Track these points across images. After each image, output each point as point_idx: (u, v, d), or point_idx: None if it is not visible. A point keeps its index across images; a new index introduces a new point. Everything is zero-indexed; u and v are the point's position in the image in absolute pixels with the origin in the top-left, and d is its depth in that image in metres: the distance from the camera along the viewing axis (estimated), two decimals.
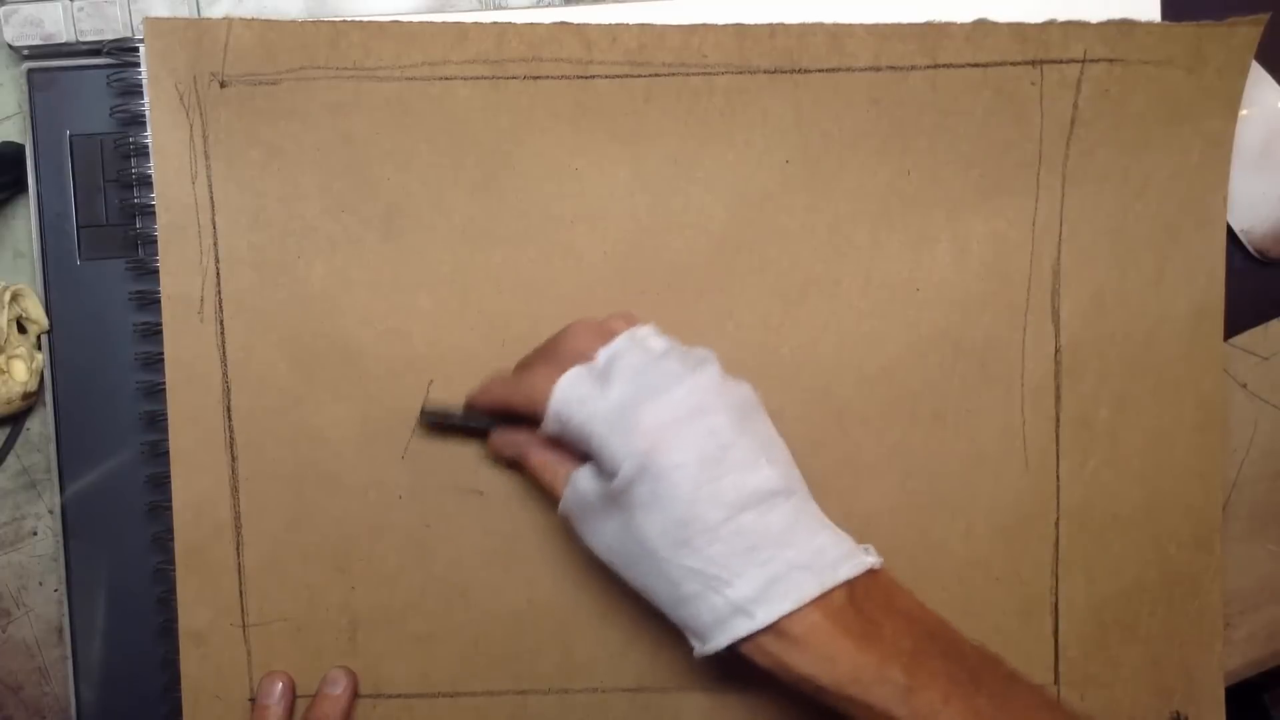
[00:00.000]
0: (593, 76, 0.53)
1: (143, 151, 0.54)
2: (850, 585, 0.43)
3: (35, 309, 0.56)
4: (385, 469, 0.55)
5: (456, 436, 0.54)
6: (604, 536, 0.48)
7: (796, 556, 0.43)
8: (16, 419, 0.58)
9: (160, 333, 0.54)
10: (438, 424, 0.54)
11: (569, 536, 0.53)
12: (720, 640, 0.44)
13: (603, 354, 0.47)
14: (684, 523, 0.43)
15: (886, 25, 0.53)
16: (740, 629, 0.43)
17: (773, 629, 0.43)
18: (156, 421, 0.55)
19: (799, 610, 0.42)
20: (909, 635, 0.43)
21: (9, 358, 0.55)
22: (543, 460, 0.50)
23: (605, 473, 0.45)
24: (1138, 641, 0.56)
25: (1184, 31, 0.53)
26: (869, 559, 0.44)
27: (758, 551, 0.43)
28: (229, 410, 0.54)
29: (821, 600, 0.43)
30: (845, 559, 0.44)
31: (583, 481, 0.47)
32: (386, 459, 0.55)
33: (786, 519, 0.44)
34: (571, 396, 0.46)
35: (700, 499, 0.43)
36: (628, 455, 0.44)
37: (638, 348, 0.46)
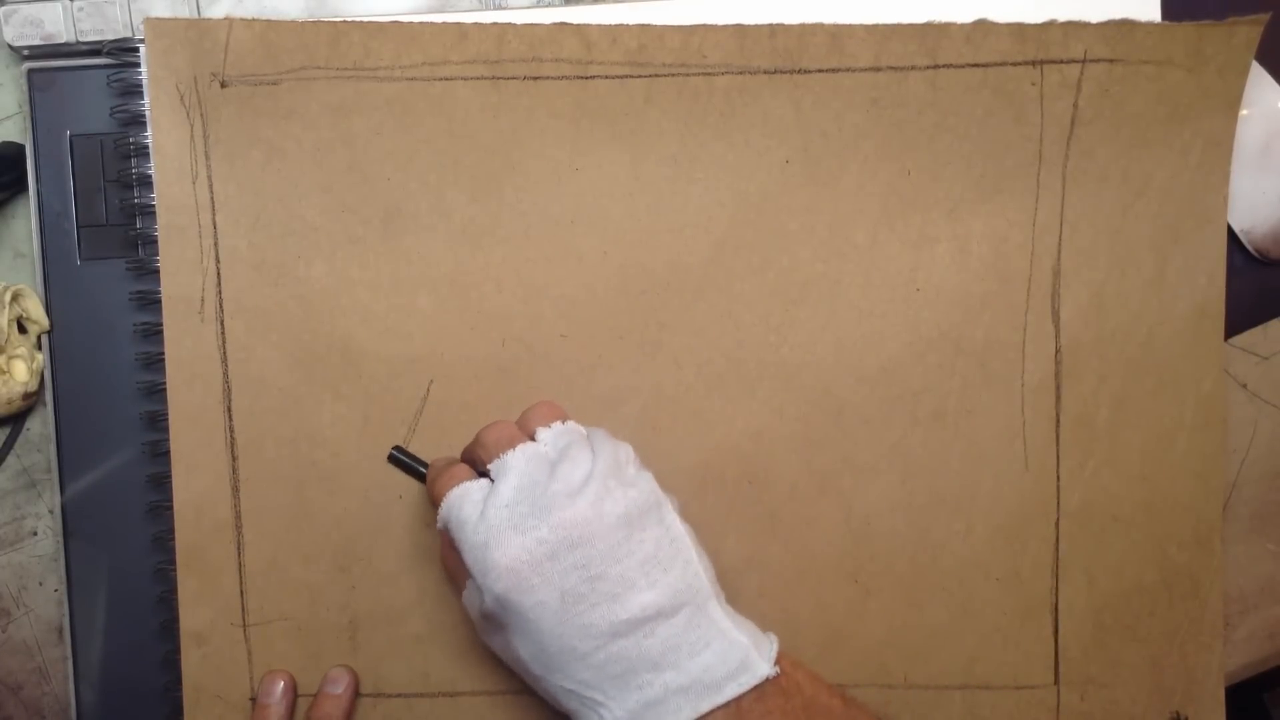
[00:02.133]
0: (593, 77, 0.53)
1: (143, 151, 0.54)
2: (737, 702, 0.43)
3: (35, 309, 0.56)
4: (385, 469, 0.55)
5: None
6: (493, 644, 0.49)
7: (675, 679, 0.43)
8: (16, 419, 0.58)
9: (160, 333, 0.54)
10: (400, 465, 0.53)
11: None
12: None
13: (494, 467, 0.47)
14: (552, 653, 0.44)
15: (886, 25, 0.53)
16: None
17: None
18: (157, 421, 0.55)
19: None
20: None
21: (9, 358, 0.55)
22: (445, 556, 0.50)
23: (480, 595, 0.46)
24: (1138, 642, 0.56)
25: (1184, 31, 0.53)
26: (760, 670, 0.43)
27: (633, 676, 0.43)
28: (229, 410, 0.54)
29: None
30: (731, 677, 0.43)
31: (472, 593, 0.48)
32: (386, 458, 0.55)
33: (667, 641, 0.43)
34: (452, 516, 0.47)
35: (566, 633, 0.43)
36: (488, 590, 0.45)
37: (527, 462, 0.46)
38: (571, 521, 0.44)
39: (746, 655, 0.44)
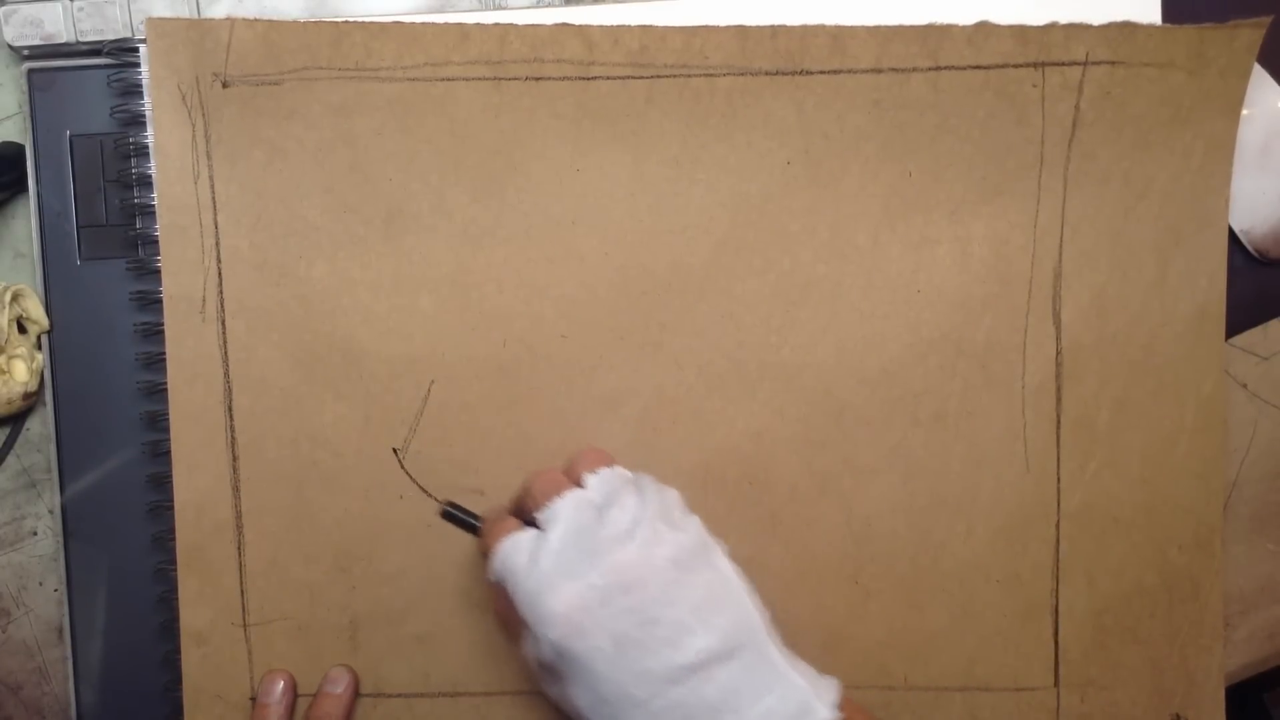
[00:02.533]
0: (594, 78, 0.53)
1: (143, 151, 0.54)
2: None
3: (35, 309, 0.56)
4: (385, 469, 0.55)
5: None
6: (551, 693, 0.48)
7: None
8: (16, 419, 0.58)
9: (161, 333, 0.54)
10: (453, 520, 0.53)
11: None
12: None
13: (542, 516, 0.47)
14: (610, 701, 0.43)
15: (888, 27, 0.53)
16: None
17: None
18: (157, 421, 0.55)
19: None
20: None
21: (9, 358, 0.55)
22: (501, 609, 0.49)
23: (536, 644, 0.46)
24: (1138, 643, 0.56)
25: (1186, 34, 0.53)
26: (821, 715, 0.43)
27: None
28: (230, 410, 0.54)
29: None
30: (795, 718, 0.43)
31: (528, 643, 0.47)
32: (387, 459, 0.55)
33: (726, 686, 0.43)
34: (504, 566, 0.46)
35: (624, 680, 0.43)
36: (544, 639, 0.44)
37: (575, 509, 0.46)
38: (622, 566, 0.44)
39: (806, 699, 0.43)
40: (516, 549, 0.46)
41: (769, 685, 0.43)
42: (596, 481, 0.48)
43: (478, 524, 0.51)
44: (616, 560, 0.44)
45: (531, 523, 0.48)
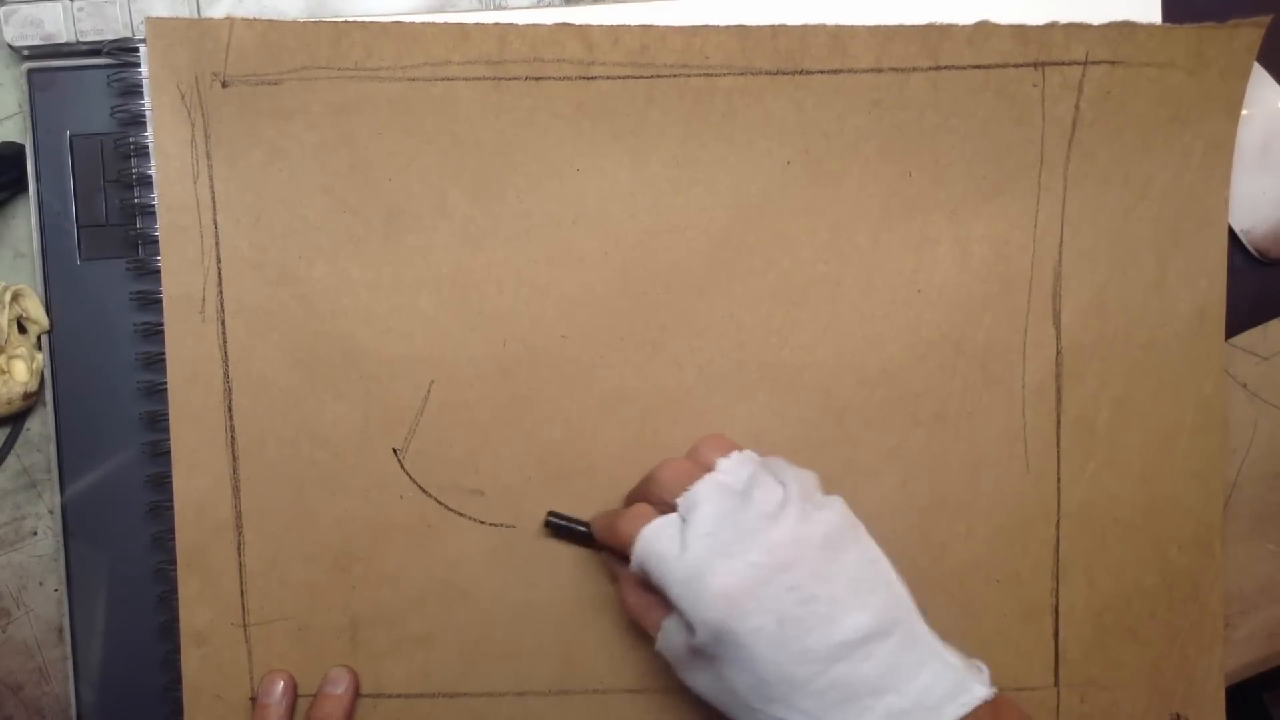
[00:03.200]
0: (594, 77, 0.53)
1: (143, 151, 0.54)
2: None
3: (35, 309, 0.56)
4: (385, 469, 0.55)
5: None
6: (698, 682, 0.47)
7: (896, 702, 0.42)
8: (16, 419, 0.58)
9: (161, 333, 0.54)
10: (560, 530, 0.53)
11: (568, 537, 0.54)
12: None
13: (682, 502, 0.46)
14: (771, 682, 0.43)
15: (888, 27, 0.53)
16: None
17: None
18: (157, 421, 0.55)
19: None
20: None
21: (9, 358, 0.55)
22: (636, 601, 0.50)
23: (689, 629, 0.45)
24: (1138, 643, 0.56)
25: (1185, 34, 0.53)
26: (980, 691, 0.42)
27: (854, 702, 0.42)
28: (230, 410, 0.54)
29: None
30: (951, 697, 0.42)
31: (672, 633, 0.47)
32: (387, 459, 0.55)
33: (885, 663, 0.42)
34: (651, 552, 0.46)
35: (785, 659, 0.42)
36: (702, 622, 0.44)
37: (717, 493, 0.46)
38: (779, 544, 0.44)
39: (962, 676, 0.43)
40: (663, 534, 0.46)
41: (924, 662, 0.43)
42: (730, 465, 0.47)
43: (584, 529, 0.51)
44: (771, 539, 0.44)
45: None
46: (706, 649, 0.45)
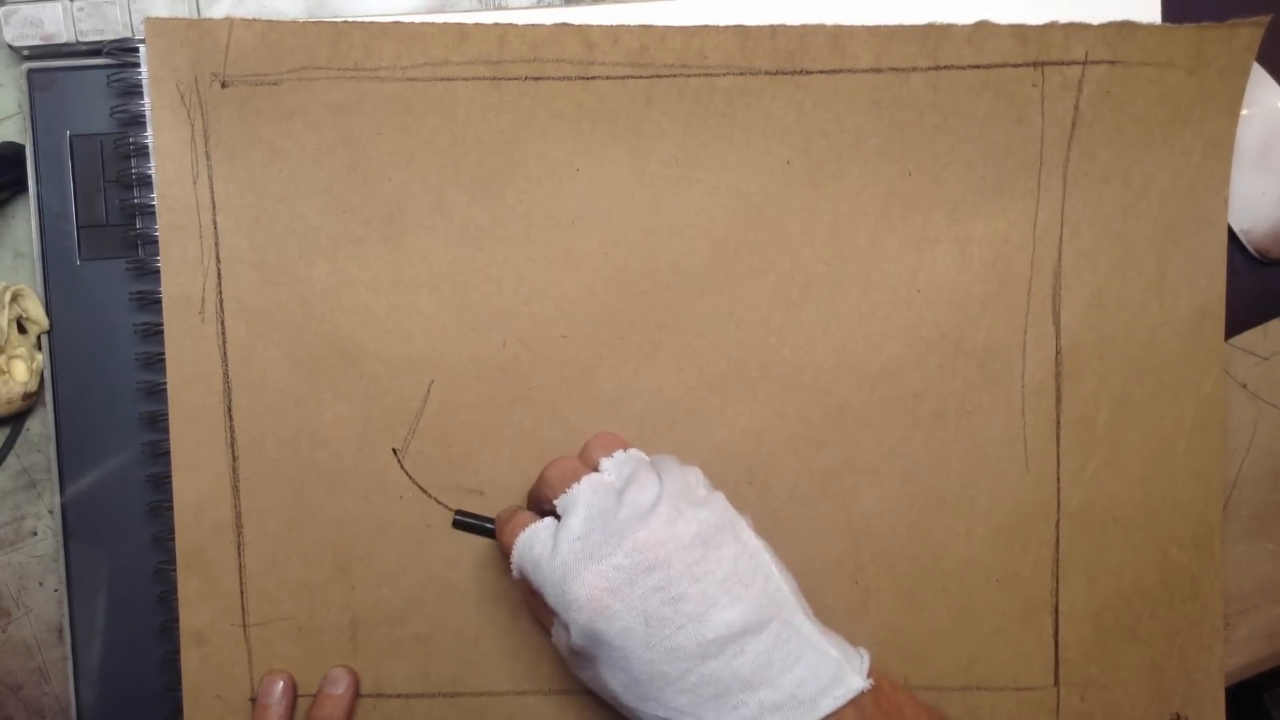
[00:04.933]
0: (594, 77, 0.53)
1: (143, 152, 0.54)
2: (838, 716, 0.42)
3: (35, 309, 0.56)
4: (385, 469, 0.55)
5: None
6: (585, 677, 0.48)
7: (770, 696, 0.42)
8: (16, 419, 0.58)
9: (160, 333, 0.54)
10: (465, 526, 0.53)
11: None
12: None
13: (560, 503, 0.47)
14: (644, 681, 0.43)
15: (888, 27, 0.53)
16: None
17: None
18: (157, 421, 0.55)
19: None
20: None
21: (9, 358, 0.55)
22: (530, 603, 0.50)
23: (566, 631, 0.46)
24: (1138, 643, 0.56)
25: (1185, 33, 0.53)
26: (855, 683, 0.43)
27: (728, 696, 0.42)
28: (230, 410, 0.54)
29: None
30: (826, 691, 0.42)
31: (559, 631, 0.47)
32: (386, 459, 0.55)
33: (758, 657, 0.43)
34: (526, 559, 0.47)
35: (655, 658, 0.43)
36: (572, 624, 0.44)
37: (594, 493, 0.46)
38: (645, 544, 0.44)
39: (839, 669, 0.43)
40: (535, 539, 0.46)
41: (799, 655, 0.43)
42: (612, 464, 0.48)
43: (491, 526, 0.51)
44: (639, 539, 0.44)
45: (550, 513, 0.48)
46: (584, 650, 0.45)
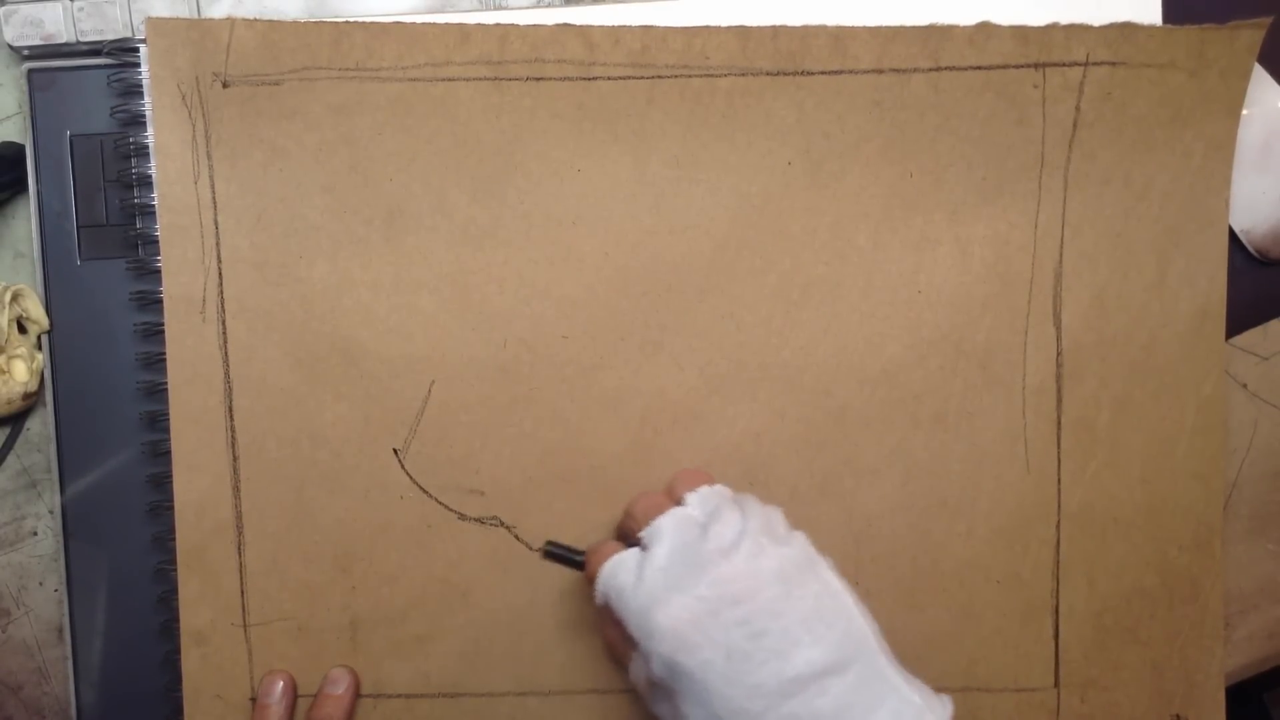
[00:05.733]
0: (595, 78, 0.53)
1: (143, 151, 0.54)
2: None
3: (35, 309, 0.55)
4: (386, 469, 0.55)
5: None
6: (663, 712, 0.48)
7: None
8: (16, 419, 0.58)
9: (161, 333, 0.54)
10: (555, 558, 0.53)
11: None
12: None
13: (645, 534, 0.47)
14: (724, 716, 0.43)
15: (889, 27, 0.53)
16: None
17: None
18: (157, 421, 0.55)
19: None
20: None
21: (9, 358, 0.55)
22: (609, 635, 0.50)
23: (647, 661, 0.46)
24: (1138, 644, 0.56)
25: (1186, 35, 0.53)
26: None
27: None
28: (230, 410, 0.54)
29: None
30: None
31: (638, 664, 0.48)
32: (387, 459, 0.55)
33: (840, 699, 0.42)
34: (610, 587, 0.47)
35: (736, 694, 0.42)
36: (654, 654, 0.44)
37: (678, 526, 0.46)
38: (729, 577, 0.44)
39: (920, 715, 0.43)
40: (621, 568, 0.47)
41: (882, 698, 0.43)
42: (697, 499, 0.48)
43: (580, 558, 0.51)
44: (722, 572, 0.44)
45: (634, 545, 0.48)
46: (663, 682, 0.45)
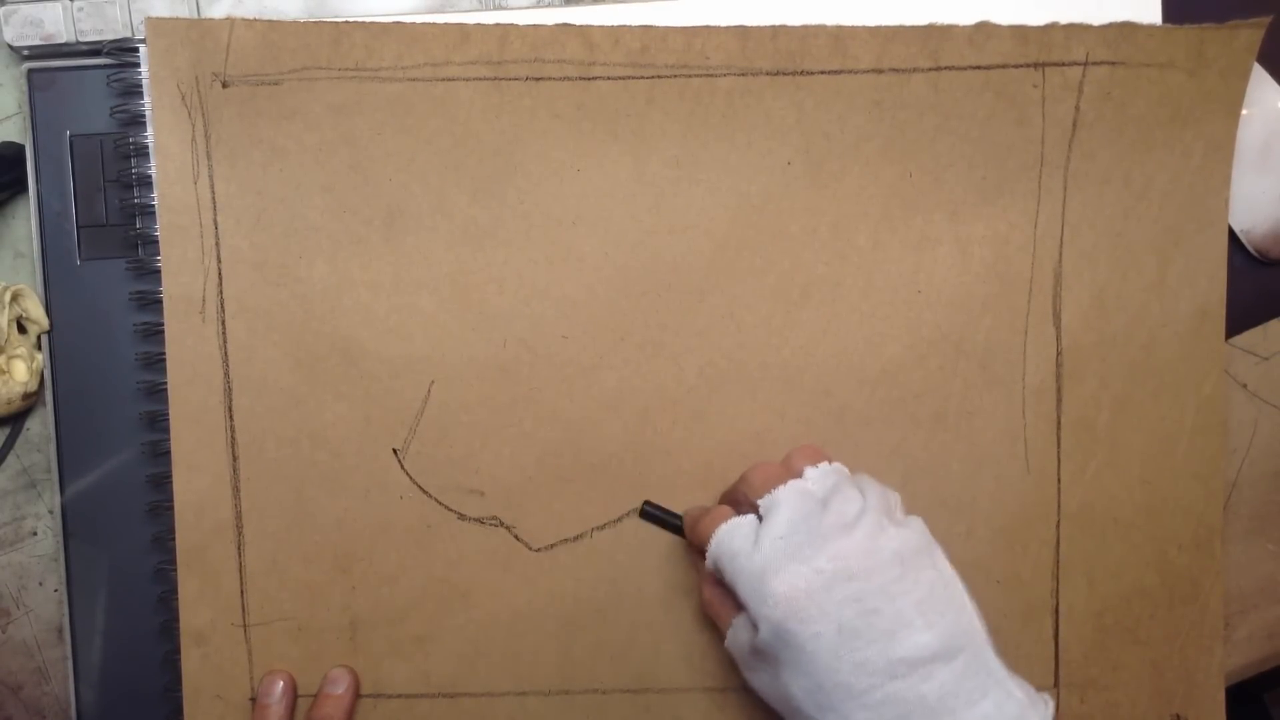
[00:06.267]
0: (595, 78, 0.53)
1: (143, 151, 0.54)
2: None
3: (35, 309, 0.55)
4: (385, 469, 0.55)
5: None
6: (760, 682, 0.48)
7: None
8: (16, 419, 0.58)
9: (161, 333, 0.54)
10: (653, 519, 0.54)
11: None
12: None
13: (763, 503, 0.47)
14: (827, 690, 0.43)
15: (889, 27, 0.53)
16: None
17: None
18: (157, 421, 0.55)
19: None
20: None
21: (9, 358, 0.55)
22: (711, 597, 0.50)
23: (754, 627, 0.45)
24: (1138, 644, 0.56)
25: (1185, 34, 0.53)
26: None
27: None
28: (230, 410, 0.54)
29: None
30: None
31: (740, 631, 0.48)
32: (387, 459, 0.55)
33: (945, 686, 0.42)
34: (724, 549, 0.47)
35: (842, 668, 0.42)
36: (764, 620, 0.44)
37: (797, 498, 0.46)
38: (848, 553, 0.44)
39: (1023, 712, 0.42)
40: (738, 532, 0.47)
41: (986, 691, 0.43)
42: (817, 474, 0.48)
43: (677, 521, 0.52)
44: (842, 547, 0.44)
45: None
46: (768, 649, 0.45)
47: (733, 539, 0.46)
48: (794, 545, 0.45)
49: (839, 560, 0.44)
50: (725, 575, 0.47)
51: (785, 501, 0.46)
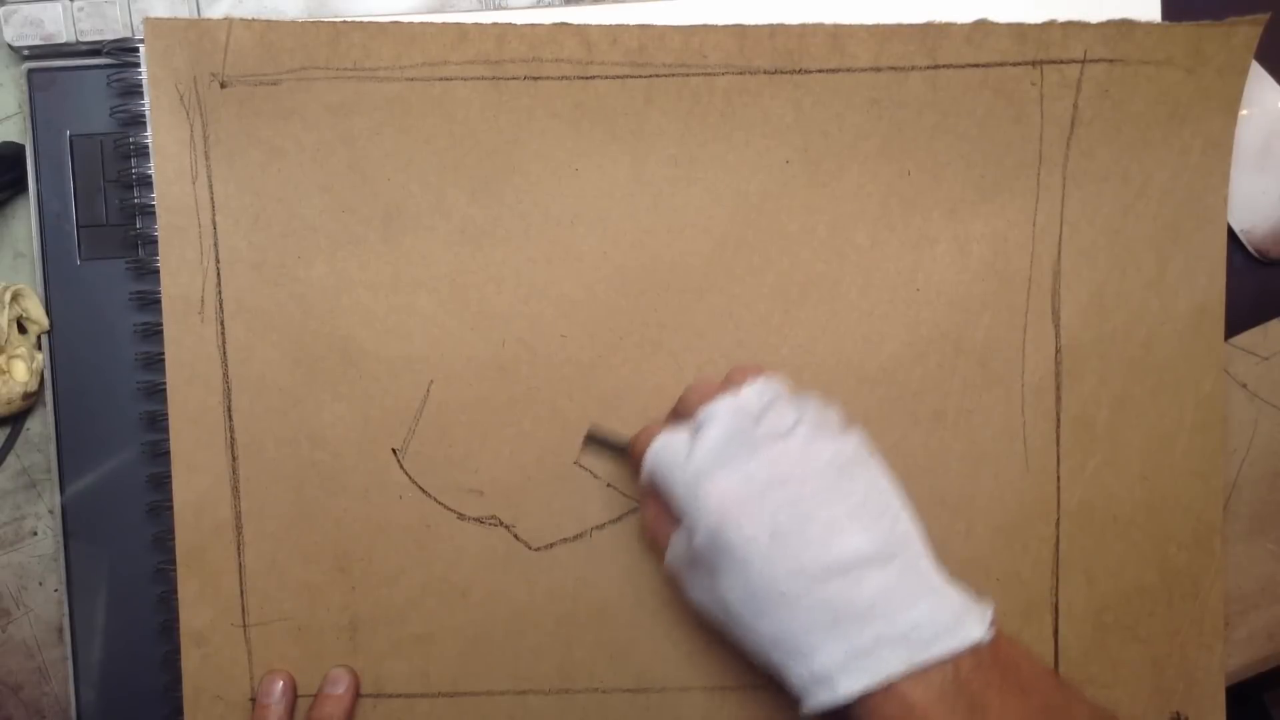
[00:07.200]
0: (593, 77, 0.53)
1: (143, 151, 0.54)
2: (956, 662, 0.41)
3: (35, 309, 0.56)
4: (384, 469, 0.55)
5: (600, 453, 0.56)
6: (698, 594, 0.48)
7: (886, 629, 0.41)
8: (16, 419, 0.58)
9: (160, 333, 0.54)
10: (596, 442, 0.54)
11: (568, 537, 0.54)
12: (809, 705, 0.42)
13: (700, 414, 0.47)
14: (761, 596, 0.43)
15: (887, 26, 0.53)
16: (823, 698, 0.42)
17: (866, 704, 0.41)
18: (157, 421, 0.55)
19: (892, 687, 0.40)
20: (1020, 714, 0.41)
21: (9, 358, 0.55)
22: (651, 514, 0.50)
23: (691, 536, 0.45)
24: (1138, 642, 0.56)
25: (1184, 32, 0.53)
26: (975, 632, 0.42)
27: (841, 624, 0.42)
28: (229, 410, 0.54)
29: (919, 677, 0.41)
30: (946, 633, 0.41)
31: (678, 542, 0.47)
32: (386, 459, 0.55)
33: (878, 590, 0.42)
34: (659, 462, 0.47)
35: (776, 573, 0.42)
36: (699, 527, 0.44)
37: (731, 412, 0.46)
38: (780, 458, 0.44)
39: (960, 615, 0.42)
40: (668, 446, 0.47)
41: (920, 595, 0.42)
42: (753, 390, 0.47)
43: (623, 445, 0.52)
44: (775, 454, 0.44)
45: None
46: (704, 557, 0.45)
47: (667, 451, 0.46)
48: (726, 454, 0.45)
49: (772, 466, 0.44)
50: (661, 489, 0.47)
51: (720, 414, 0.46)
